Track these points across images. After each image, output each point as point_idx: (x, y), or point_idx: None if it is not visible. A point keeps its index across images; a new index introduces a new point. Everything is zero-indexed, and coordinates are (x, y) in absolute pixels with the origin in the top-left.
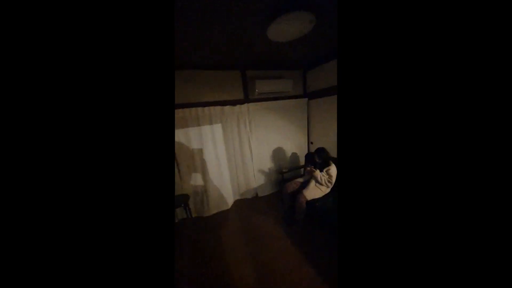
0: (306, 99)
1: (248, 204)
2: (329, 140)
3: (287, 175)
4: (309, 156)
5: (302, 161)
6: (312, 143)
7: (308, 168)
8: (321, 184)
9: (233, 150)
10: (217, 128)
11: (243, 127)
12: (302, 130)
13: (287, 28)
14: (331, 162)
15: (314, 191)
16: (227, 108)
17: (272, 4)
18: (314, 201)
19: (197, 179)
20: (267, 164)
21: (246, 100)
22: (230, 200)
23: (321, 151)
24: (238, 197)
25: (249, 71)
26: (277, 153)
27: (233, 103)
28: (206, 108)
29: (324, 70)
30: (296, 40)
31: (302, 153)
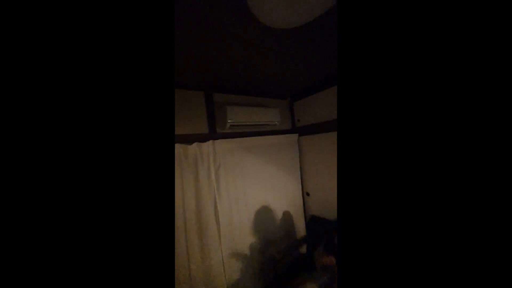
0: (297, 135)
1: None
2: (329, 189)
3: (282, 264)
4: (316, 228)
5: (298, 223)
6: (308, 194)
7: (326, 262)
8: None
9: (182, 219)
10: None
11: (205, 178)
12: (294, 177)
13: None
14: None
15: None
16: (176, 147)
17: None
18: None
19: None
20: (246, 239)
21: (211, 135)
22: None
23: None
24: None
25: (217, 94)
26: (261, 217)
27: (189, 139)
28: None
29: (318, 99)
30: (307, 25)
31: (297, 210)
